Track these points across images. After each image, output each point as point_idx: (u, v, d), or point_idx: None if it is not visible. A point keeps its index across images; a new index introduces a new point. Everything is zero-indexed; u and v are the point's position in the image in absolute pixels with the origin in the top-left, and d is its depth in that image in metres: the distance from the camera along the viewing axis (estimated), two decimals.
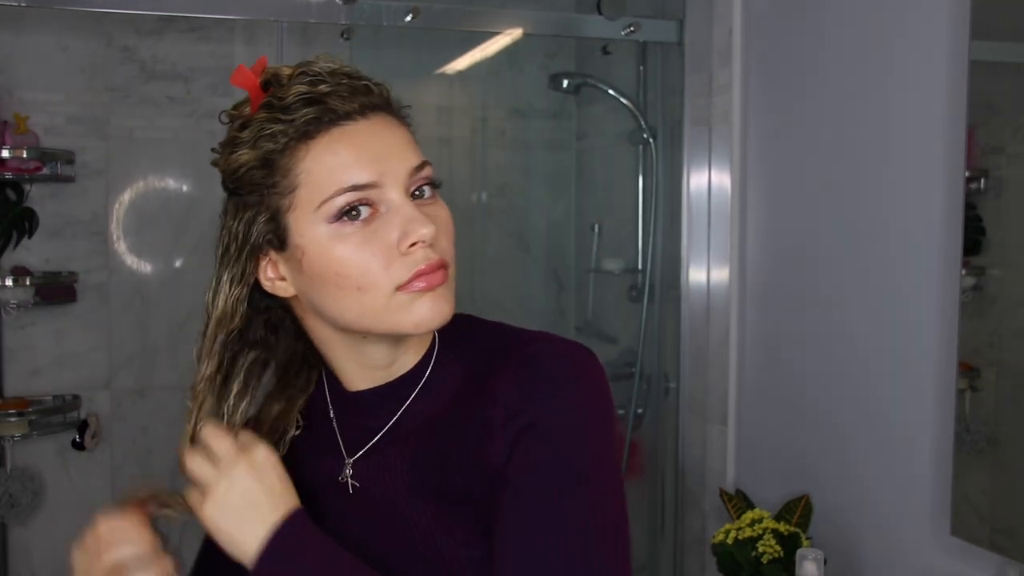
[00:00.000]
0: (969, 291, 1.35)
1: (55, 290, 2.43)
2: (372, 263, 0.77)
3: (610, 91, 2.33)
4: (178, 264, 2.59)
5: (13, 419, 2.34)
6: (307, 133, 0.77)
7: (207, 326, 0.84)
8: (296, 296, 0.83)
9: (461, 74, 2.58)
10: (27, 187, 2.42)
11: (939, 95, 1.40)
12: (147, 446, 2.58)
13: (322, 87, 0.78)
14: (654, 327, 2.27)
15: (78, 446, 2.46)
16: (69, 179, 2.45)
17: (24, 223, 2.41)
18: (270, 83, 0.81)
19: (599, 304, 2.57)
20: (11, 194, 2.40)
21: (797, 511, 1.65)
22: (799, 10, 1.75)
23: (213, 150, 0.84)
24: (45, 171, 2.37)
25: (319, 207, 0.77)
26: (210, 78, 2.58)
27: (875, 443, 1.56)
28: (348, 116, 0.78)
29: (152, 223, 2.56)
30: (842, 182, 1.63)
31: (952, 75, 1.38)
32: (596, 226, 2.54)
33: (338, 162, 0.77)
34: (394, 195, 0.77)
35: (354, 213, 0.77)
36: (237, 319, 0.83)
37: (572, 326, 2.70)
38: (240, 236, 0.81)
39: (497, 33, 2.10)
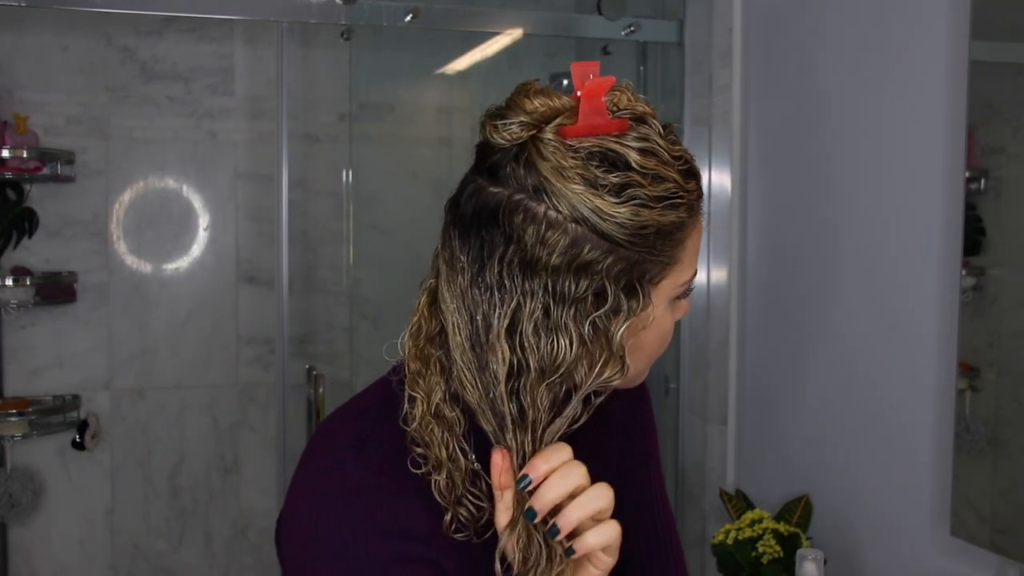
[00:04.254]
0: (969, 291, 1.35)
1: (55, 290, 2.43)
2: (671, 335, 0.81)
3: None
4: (178, 264, 2.59)
5: (13, 419, 2.34)
6: (696, 211, 0.75)
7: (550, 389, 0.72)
8: None
9: (461, 74, 2.58)
10: (27, 187, 2.42)
11: (939, 95, 1.40)
12: (147, 446, 2.58)
13: (691, 155, 0.75)
14: None
15: (78, 446, 2.46)
16: (69, 179, 2.45)
17: (24, 223, 2.41)
18: (627, 118, 0.73)
19: None
20: (11, 194, 2.40)
21: (797, 511, 1.65)
22: (799, 10, 1.75)
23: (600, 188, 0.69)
24: (45, 171, 2.37)
25: (681, 285, 0.76)
26: (210, 78, 2.58)
27: (875, 443, 1.56)
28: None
29: (152, 223, 2.56)
30: (842, 182, 1.63)
31: (952, 75, 1.38)
32: None
33: (700, 244, 0.77)
34: None
35: (688, 294, 0.79)
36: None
37: None
38: (624, 288, 0.72)
39: (497, 33, 2.10)
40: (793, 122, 1.77)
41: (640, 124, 0.72)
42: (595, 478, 0.81)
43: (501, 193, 0.71)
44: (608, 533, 0.72)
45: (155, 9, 1.89)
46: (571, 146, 0.70)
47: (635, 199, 0.69)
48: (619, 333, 0.72)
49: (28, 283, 2.36)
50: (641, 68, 2.33)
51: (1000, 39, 1.33)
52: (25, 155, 2.32)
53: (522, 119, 0.70)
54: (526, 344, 0.71)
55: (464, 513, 0.75)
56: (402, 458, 0.75)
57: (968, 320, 1.35)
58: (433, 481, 0.74)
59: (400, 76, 2.53)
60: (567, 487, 0.71)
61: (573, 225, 0.69)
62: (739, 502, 1.77)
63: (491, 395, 0.72)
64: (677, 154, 0.72)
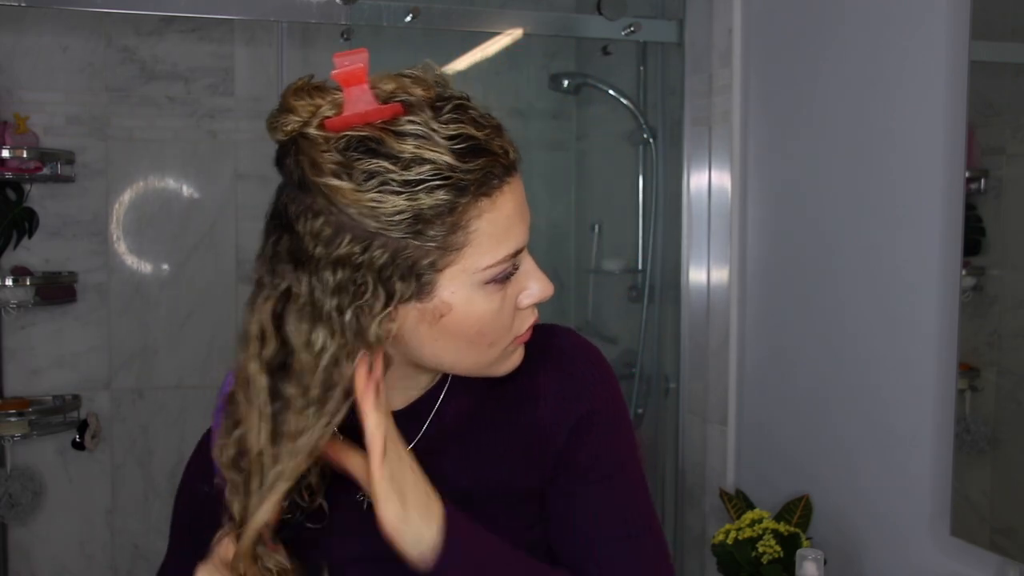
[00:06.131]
0: (969, 291, 1.35)
1: (55, 290, 2.43)
2: (507, 321, 0.77)
3: (610, 91, 2.32)
4: (178, 264, 2.59)
5: (13, 419, 2.34)
6: (483, 190, 0.71)
7: (319, 378, 0.71)
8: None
9: (461, 74, 2.57)
10: (27, 187, 2.42)
11: (939, 95, 1.40)
12: (147, 446, 2.58)
13: (485, 132, 0.72)
14: (654, 327, 2.27)
15: (78, 446, 2.46)
16: (69, 179, 2.45)
17: (24, 223, 2.42)
18: (401, 102, 0.71)
19: (599, 304, 2.57)
20: (11, 194, 2.40)
21: (797, 511, 1.65)
22: (799, 10, 1.75)
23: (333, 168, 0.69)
24: (45, 171, 2.37)
25: (483, 270, 0.73)
26: (210, 78, 2.58)
27: (875, 443, 1.56)
28: (509, 172, 0.74)
29: (152, 223, 2.56)
30: (842, 182, 1.63)
31: (952, 75, 1.38)
32: (596, 226, 2.54)
33: (506, 225, 0.73)
34: (525, 253, 0.78)
35: (506, 278, 0.76)
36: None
37: (572, 326, 2.69)
38: (388, 277, 0.71)
39: (497, 33, 2.10)
40: (793, 122, 1.77)
41: (411, 108, 0.70)
42: (483, 458, 0.84)
43: (282, 188, 0.74)
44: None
45: (155, 9, 1.89)
46: (329, 138, 0.70)
47: (382, 185, 0.68)
48: (373, 324, 0.71)
49: (28, 283, 2.36)
50: (641, 68, 2.33)
51: (1000, 39, 1.33)
52: (25, 155, 2.32)
53: (290, 116, 0.72)
54: (290, 333, 0.72)
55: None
56: None
57: (968, 320, 1.35)
58: None
59: None
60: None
61: (333, 216, 0.70)
62: (739, 502, 1.77)
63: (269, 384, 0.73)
64: (453, 133, 0.70)
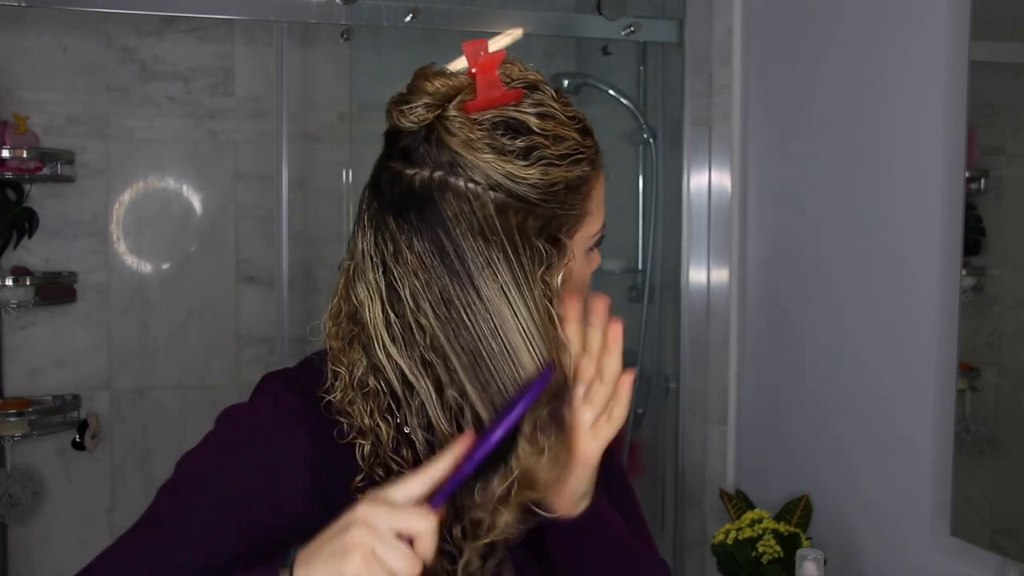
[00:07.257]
0: (969, 291, 1.35)
1: (55, 290, 2.43)
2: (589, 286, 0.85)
3: (610, 91, 2.32)
4: (178, 264, 2.59)
5: (13, 419, 2.34)
6: (598, 162, 0.80)
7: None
8: None
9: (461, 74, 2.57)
10: (27, 187, 2.42)
11: (939, 95, 1.40)
12: (147, 446, 2.58)
13: (582, 114, 0.80)
14: (654, 327, 2.27)
15: (78, 446, 2.46)
16: (69, 179, 2.45)
17: (24, 223, 2.42)
18: (521, 87, 0.77)
19: None
20: (11, 194, 2.40)
21: (797, 511, 1.65)
22: (799, 10, 1.75)
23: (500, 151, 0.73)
24: (45, 171, 2.37)
25: (592, 235, 0.81)
26: (210, 78, 2.58)
27: (875, 443, 1.56)
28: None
29: (152, 223, 2.57)
30: (842, 182, 1.63)
31: (952, 75, 1.38)
32: None
33: (604, 195, 0.82)
34: None
35: (597, 245, 0.84)
36: None
37: None
38: (541, 245, 0.76)
39: (497, 33, 2.10)
40: (793, 122, 1.77)
41: (534, 91, 0.77)
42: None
43: (420, 173, 0.74)
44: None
45: (155, 9, 1.89)
46: (474, 119, 0.74)
47: (542, 159, 0.74)
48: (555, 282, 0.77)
49: (28, 283, 2.36)
50: (641, 68, 2.33)
51: (1000, 39, 1.33)
52: (25, 155, 2.32)
53: (426, 101, 0.75)
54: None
55: (381, 473, 0.78)
56: (317, 412, 0.79)
57: (968, 320, 1.35)
58: (358, 445, 0.78)
59: (400, 76, 2.51)
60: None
61: (492, 193, 0.73)
62: (739, 502, 1.77)
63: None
64: (571, 114, 0.78)
